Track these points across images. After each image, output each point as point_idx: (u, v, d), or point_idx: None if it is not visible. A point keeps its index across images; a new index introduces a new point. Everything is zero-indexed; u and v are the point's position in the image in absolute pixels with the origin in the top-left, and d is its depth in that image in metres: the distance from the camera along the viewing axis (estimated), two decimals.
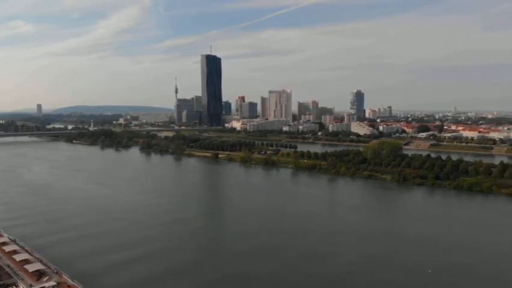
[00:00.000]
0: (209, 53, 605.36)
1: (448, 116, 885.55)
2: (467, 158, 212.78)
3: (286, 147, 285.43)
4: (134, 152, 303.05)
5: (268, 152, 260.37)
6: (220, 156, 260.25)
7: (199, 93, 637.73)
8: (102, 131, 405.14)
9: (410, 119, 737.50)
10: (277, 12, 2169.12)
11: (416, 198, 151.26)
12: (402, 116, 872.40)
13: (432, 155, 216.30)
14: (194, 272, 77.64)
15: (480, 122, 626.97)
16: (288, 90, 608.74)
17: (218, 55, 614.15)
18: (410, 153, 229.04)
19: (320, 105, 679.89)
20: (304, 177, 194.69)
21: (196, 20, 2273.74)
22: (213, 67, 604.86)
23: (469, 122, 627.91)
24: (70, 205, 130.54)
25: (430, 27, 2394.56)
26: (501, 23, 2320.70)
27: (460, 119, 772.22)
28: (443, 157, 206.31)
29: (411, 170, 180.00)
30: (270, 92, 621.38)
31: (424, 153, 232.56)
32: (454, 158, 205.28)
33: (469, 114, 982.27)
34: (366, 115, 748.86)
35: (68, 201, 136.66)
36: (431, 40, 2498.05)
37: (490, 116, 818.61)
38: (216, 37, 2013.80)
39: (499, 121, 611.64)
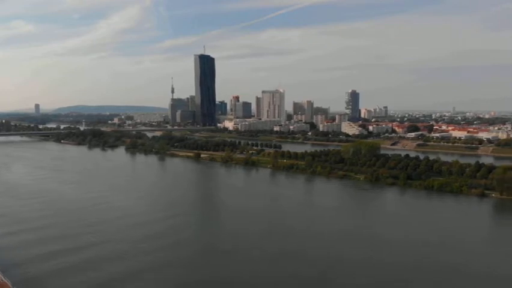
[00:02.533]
0: (202, 53, 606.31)
1: (445, 116, 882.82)
2: (452, 158, 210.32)
3: (272, 147, 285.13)
4: (120, 152, 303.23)
5: (250, 151, 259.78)
6: (202, 156, 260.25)
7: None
8: (91, 130, 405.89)
9: (405, 119, 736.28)
10: (277, 12, 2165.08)
11: (381, 198, 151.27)
12: (399, 116, 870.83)
13: (417, 155, 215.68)
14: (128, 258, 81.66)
15: (475, 122, 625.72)
16: (281, 90, 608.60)
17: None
18: (397, 153, 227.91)
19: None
20: (278, 177, 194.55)
21: (196, 20, 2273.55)
22: (206, 67, 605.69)
23: (462, 122, 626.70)
24: (37, 204, 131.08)
25: (430, 27, 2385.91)
26: (501, 23, 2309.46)
27: (456, 119, 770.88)
28: (430, 157, 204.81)
29: (385, 170, 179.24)
30: (263, 92, 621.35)
31: (410, 153, 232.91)
32: (439, 158, 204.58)
33: (467, 114, 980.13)
34: (362, 115, 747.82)
35: (38, 200, 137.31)
36: (431, 40, 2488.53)
37: (487, 116, 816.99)
38: (217, 37, 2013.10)
39: (493, 121, 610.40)
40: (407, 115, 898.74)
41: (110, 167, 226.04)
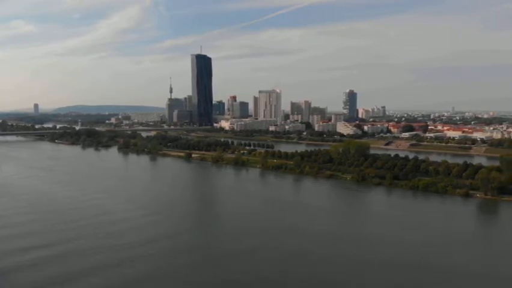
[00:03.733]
0: (199, 53, 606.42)
1: (443, 116, 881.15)
2: (444, 158, 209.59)
3: (264, 147, 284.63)
4: (112, 152, 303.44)
5: (241, 151, 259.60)
6: (193, 156, 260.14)
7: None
8: (85, 130, 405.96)
9: (403, 119, 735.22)
10: (277, 12, 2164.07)
11: (363, 198, 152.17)
12: (398, 116, 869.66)
13: (406, 155, 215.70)
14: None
15: (473, 122, 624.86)
16: (278, 90, 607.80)
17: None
18: (390, 153, 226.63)
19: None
20: (266, 177, 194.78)
21: (196, 20, 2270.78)
22: (203, 67, 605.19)
23: (459, 123, 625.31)
24: (18, 202, 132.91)
25: (430, 27, 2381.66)
26: (501, 23, 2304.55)
27: (454, 118, 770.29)
28: (423, 157, 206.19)
29: (372, 170, 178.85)
30: (260, 92, 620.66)
31: (403, 153, 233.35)
32: (431, 158, 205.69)
33: (466, 114, 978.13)
34: (360, 115, 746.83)
35: (21, 198, 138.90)
36: (431, 40, 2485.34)
37: (485, 116, 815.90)
38: (217, 37, 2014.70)
39: (490, 121, 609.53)
40: (405, 115, 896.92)
41: (99, 167, 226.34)
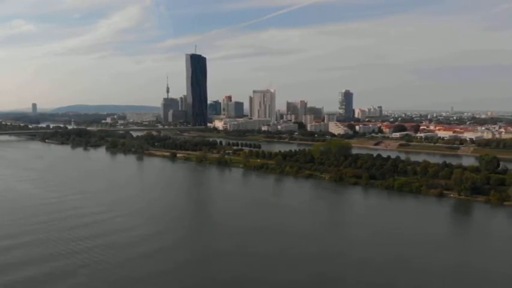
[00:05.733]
0: (194, 53, 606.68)
1: (441, 116, 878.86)
2: (433, 158, 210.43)
3: (251, 147, 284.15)
4: (100, 152, 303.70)
5: (227, 151, 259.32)
6: (178, 155, 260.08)
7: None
8: (76, 130, 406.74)
9: (400, 119, 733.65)
10: (278, 12, 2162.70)
11: (335, 197, 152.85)
12: (395, 116, 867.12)
13: (388, 155, 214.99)
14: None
15: (468, 122, 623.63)
16: (272, 90, 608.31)
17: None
18: (379, 153, 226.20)
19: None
20: (247, 176, 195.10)
21: (197, 20, 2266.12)
22: (197, 67, 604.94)
23: (453, 123, 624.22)
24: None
25: (430, 27, 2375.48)
26: (501, 23, 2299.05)
27: (452, 118, 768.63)
28: (411, 157, 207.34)
29: (350, 170, 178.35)
30: (254, 91, 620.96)
31: (392, 154, 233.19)
32: (419, 158, 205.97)
33: (464, 114, 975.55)
34: (356, 115, 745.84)
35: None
36: (431, 40, 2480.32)
37: (483, 116, 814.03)
38: (217, 37, 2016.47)
39: (486, 121, 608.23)
40: (403, 115, 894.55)
41: (81, 166, 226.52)
